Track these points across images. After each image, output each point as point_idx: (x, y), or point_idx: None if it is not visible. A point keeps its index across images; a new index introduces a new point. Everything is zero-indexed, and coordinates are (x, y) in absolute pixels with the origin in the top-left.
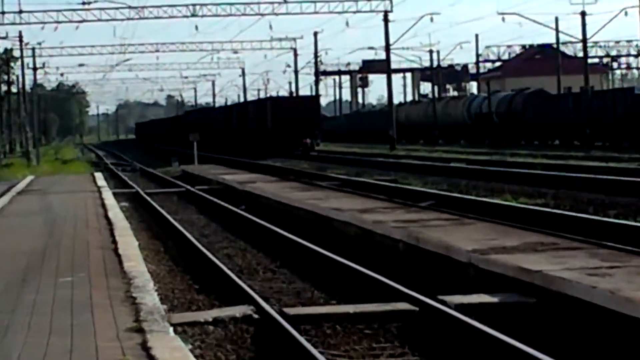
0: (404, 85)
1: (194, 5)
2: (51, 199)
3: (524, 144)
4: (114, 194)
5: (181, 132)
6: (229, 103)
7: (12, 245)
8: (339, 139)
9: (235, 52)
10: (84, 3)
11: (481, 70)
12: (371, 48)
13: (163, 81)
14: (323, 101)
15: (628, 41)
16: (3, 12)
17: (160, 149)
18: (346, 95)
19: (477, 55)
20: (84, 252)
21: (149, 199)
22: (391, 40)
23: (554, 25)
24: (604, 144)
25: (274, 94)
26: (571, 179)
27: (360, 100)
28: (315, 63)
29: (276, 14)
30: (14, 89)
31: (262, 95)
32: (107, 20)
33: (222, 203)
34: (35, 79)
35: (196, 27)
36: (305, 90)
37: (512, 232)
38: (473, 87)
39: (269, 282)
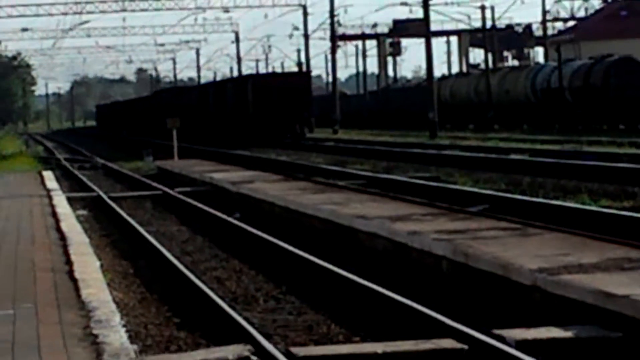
0: (448, 53)
1: None
2: None
3: (605, 128)
4: (69, 199)
5: (151, 118)
6: (218, 78)
7: None
8: (363, 124)
9: (226, 10)
10: None
11: (549, 32)
12: (404, 4)
13: (132, 50)
14: (343, 73)
15: None
16: None
17: (128, 139)
18: (372, 66)
19: (544, 13)
20: (29, 275)
21: (114, 205)
22: None
23: None
24: None
25: (277, 65)
26: None
27: (390, 72)
28: (332, 24)
29: None
30: None
31: (262, 67)
32: None
33: (210, 210)
34: None
35: None
36: (319, 60)
37: (590, 245)
38: (539, 54)
39: (271, 314)
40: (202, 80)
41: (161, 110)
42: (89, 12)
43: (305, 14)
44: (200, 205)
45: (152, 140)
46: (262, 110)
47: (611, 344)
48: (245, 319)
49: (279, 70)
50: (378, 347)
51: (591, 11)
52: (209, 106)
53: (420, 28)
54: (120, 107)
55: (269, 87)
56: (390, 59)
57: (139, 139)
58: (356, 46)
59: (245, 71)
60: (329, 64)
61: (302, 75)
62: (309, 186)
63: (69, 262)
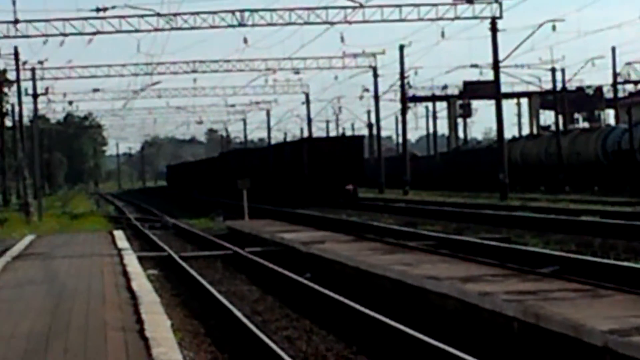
0: (519, 115)
1: (241, 11)
2: (57, 265)
3: None
4: (139, 259)
5: (218, 178)
6: (288, 139)
7: (5, 328)
8: (433, 185)
9: (297, 72)
10: (98, 10)
11: (620, 94)
12: (474, 66)
13: (202, 111)
14: (413, 135)
15: None
16: None
17: (198, 199)
18: (442, 128)
19: (615, 75)
20: (99, 335)
21: (184, 264)
22: (501, 56)
23: None
24: None
25: (347, 126)
26: None
27: (461, 134)
28: (402, 86)
29: (350, 23)
30: (8, 122)
31: (332, 128)
32: (129, 31)
33: (281, 270)
34: (35, 109)
35: (245, 40)
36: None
37: None
38: (609, 116)
39: None
40: (273, 141)
41: (226, 170)
42: (159, 73)
43: (375, 75)
44: (270, 265)
45: (222, 200)
46: (317, 172)
47: None
48: None
49: (349, 131)
50: None
51: None
52: (269, 167)
53: (490, 90)
54: (190, 167)
55: (322, 150)
56: (460, 121)
57: (209, 198)
58: (426, 107)
59: (316, 132)
60: (400, 125)
61: (354, 139)
62: (379, 247)
63: (139, 321)
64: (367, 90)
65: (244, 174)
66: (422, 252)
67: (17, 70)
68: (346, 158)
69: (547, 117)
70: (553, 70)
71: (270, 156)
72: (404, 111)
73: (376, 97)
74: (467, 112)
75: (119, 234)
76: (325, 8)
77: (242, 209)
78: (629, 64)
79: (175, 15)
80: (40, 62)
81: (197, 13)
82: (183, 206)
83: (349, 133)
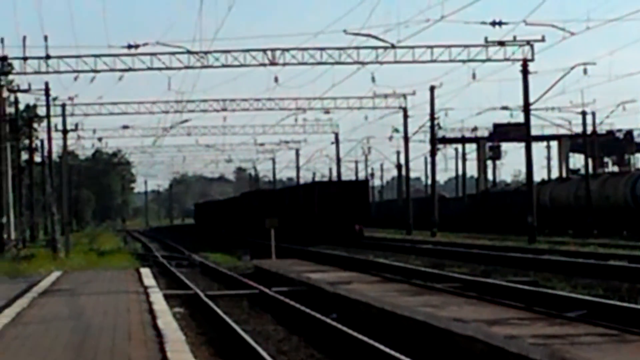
0: (548, 158)
1: (272, 50)
2: (83, 302)
3: None
4: (166, 297)
5: (242, 217)
6: (316, 178)
7: None
8: (461, 227)
9: (327, 112)
10: (129, 47)
11: None
12: (505, 108)
13: (231, 149)
14: (442, 176)
15: None
16: (25, 58)
17: (226, 237)
18: (472, 169)
19: None
20: None
21: (211, 303)
22: (531, 98)
23: None
24: None
25: (376, 166)
26: None
27: (490, 176)
28: (432, 127)
29: (381, 63)
30: (37, 158)
31: (361, 168)
32: (160, 68)
33: (307, 310)
34: (65, 145)
35: (276, 79)
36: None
37: None
38: (639, 160)
39: None
40: (302, 181)
41: (249, 210)
42: (189, 111)
43: (405, 116)
44: (297, 305)
45: (249, 238)
46: (326, 212)
47: None
48: None
49: (378, 172)
50: None
51: None
52: (285, 207)
53: (520, 132)
54: (217, 205)
55: (331, 192)
56: (489, 163)
57: (236, 236)
58: (456, 149)
59: (345, 172)
60: (429, 167)
61: (360, 183)
62: (406, 288)
63: (165, 359)
64: (397, 130)
65: (263, 213)
66: (448, 294)
67: (48, 105)
68: (352, 200)
69: (577, 161)
70: (583, 114)
71: (287, 197)
72: (433, 152)
73: (406, 138)
74: (496, 155)
75: (145, 272)
76: (357, 48)
77: (268, 247)
78: None
79: (206, 53)
80: (71, 98)
81: (229, 51)
82: (211, 244)
83: (377, 174)
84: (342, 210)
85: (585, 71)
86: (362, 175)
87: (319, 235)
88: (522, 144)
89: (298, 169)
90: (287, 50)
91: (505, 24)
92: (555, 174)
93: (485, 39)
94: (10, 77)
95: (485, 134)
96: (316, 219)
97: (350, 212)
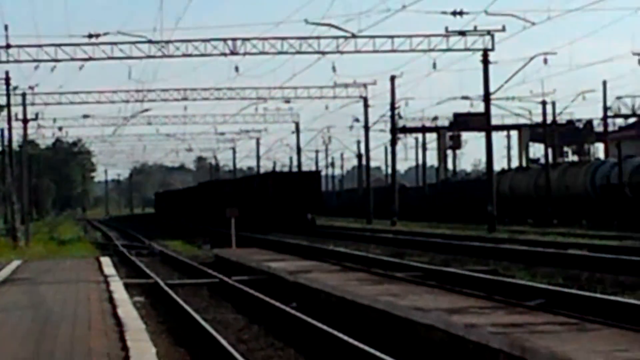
0: (508, 147)
1: (233, 39)
2: (43, 291)
3: None
4: (126, 286)
5: (203, 206)
6: (277, 168)
7: None
8: (422, 216)
9: (287, 101)
10: (90, 36)
11: (610, 128)
12: (465, 98)
13: (192, 139)
14: (402, 166)
15: None
16: None
17: (186, 227)
18: (432, 159)
19: (605, 109)
20: None
21: (171, 292)
22: (492, 88)
23: None
24: None
25: (337, 155)
26: None
27: (450, 165)
28: (392, 116)
29: (341, 52)
30: None
31: (321, 157)
32: (120, 58)
33: (267, 299)
34: (25, 134)
35: (236, 69)
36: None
37: None
38: (599, 150)
39: None
40: (262, 170)
41: (207, 199)
42: (150, 100)
43: (366, 105)
44: (257, 294)
45: (209, 227)
46: (279, 201)
47: None
48: None
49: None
50: None
51: None
52: (241, 196)
53: (480, 122)
54: (177, 195)
55: (285, 182)
56: (450, 152)
57: (196, 225)
58: (416, 139)
59: (305, 161)
60: (389, 156)
61: (313, 174)
62: (366, 277)
63: (125, 348)
64: (357, 120)
65: (221, 202)
66: (409, 283)
67: (8, 95)
68: (305, 190)
69: (537, 150)
70: (544, 103)
71: (243, 187)
72: (393, 142)
73: (366, 128)
74: (456, 144)
75: (105, 261)
76: (317, 38)
77: (228, 236)
78: (619, 98)
79: (167, 42)
80: (31, 87)
81: (189, 41)
82: (171, 233)
83: (338, 163)
84: (295, 199)
85: (545, 61)
86: (322, 164)
87: (272, 223)
88: (482, 134)
89: (258, 158)
90: (248, 39)
91: (466, 13)
92: (515, 164)
93: (446, 28)
94: None
95: (446, 123)
96: (270, 208)
97: (303, 201)
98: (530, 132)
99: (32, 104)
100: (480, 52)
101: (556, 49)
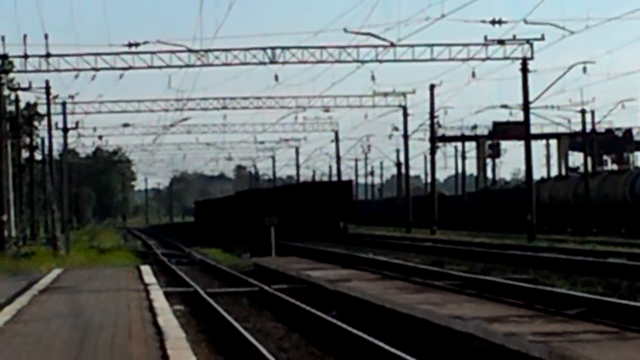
0: (547, 156)
1: (272, 48)
2: (84, 299)
3: None
4: (166, 294)
5: (243, 215)
6: (316, 176)
7: None
8: (461, 225)
9: (327, 110)
10: (130, 45)
11: None
12: (504, 106)
13: (232, 147)
14: (441, 174)
15: None
16: (26, 56)
17: (225, 235)
18: (471, 167)
19: None
20: None
21: (211, 300)
22: (531, 97)
23: None
24: None
25: (376, 164)
26: None
27: (489, 174)
28: (431, 125)
29: (381, 61)
30: (38, 156)
31: (361, 166)
32: (160, 67)
33: (307, 308)
34: (65, 143)
35: (276, 77)
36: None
37: None
38: (638, 158)
39: None
40: (301, 179)
41: (245, 208)
42: (190, 109)
43: (405, 114)
44: (296, 302)
45: (250, 236)
46: (312, 209)
47: None
48: None
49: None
50: None
51: None
52: (278, 205)
53: (520, 131)
54: (217, 203)
55: (317, 192)
56: (489, 161)
57: (236, 234)
58: (455, 147)
59: (344, 170)
60: (428, 165)
61: (344, 184)
62: (406, 286)
63: (165, 356)
64: (396, 129)
65: (259, 211)
66: (448, 292)
67: (48, 104)
68: (337, 199)
69: (576, 159)
70: (583, 112)
71: (278, 196)
72: (432, 150)
73: (405, 136)
74: (496, 153)
75: (145, 269)
76: (357, 47)
77: (268, 244)
78: None
79: (206, 51)
80: (71, 96)
81: (229, 50)
82: (211, 242)
83: (377, 172)
84: (327, 208)
85: (584, 70)
86: (361, 173)
87: (306, 232)
88: (522, 142)
89: (298, 167)
90: (288, 48)
91: (505, 22)
92: (554, 172)
93: (485, 37)
94: (11, 75)
95: (485, 132)
96: (303, 216)
97: (335, 210)
98: (569, 141)
99: (72, 113)
100: (519, 61)
101: (595, 58)
